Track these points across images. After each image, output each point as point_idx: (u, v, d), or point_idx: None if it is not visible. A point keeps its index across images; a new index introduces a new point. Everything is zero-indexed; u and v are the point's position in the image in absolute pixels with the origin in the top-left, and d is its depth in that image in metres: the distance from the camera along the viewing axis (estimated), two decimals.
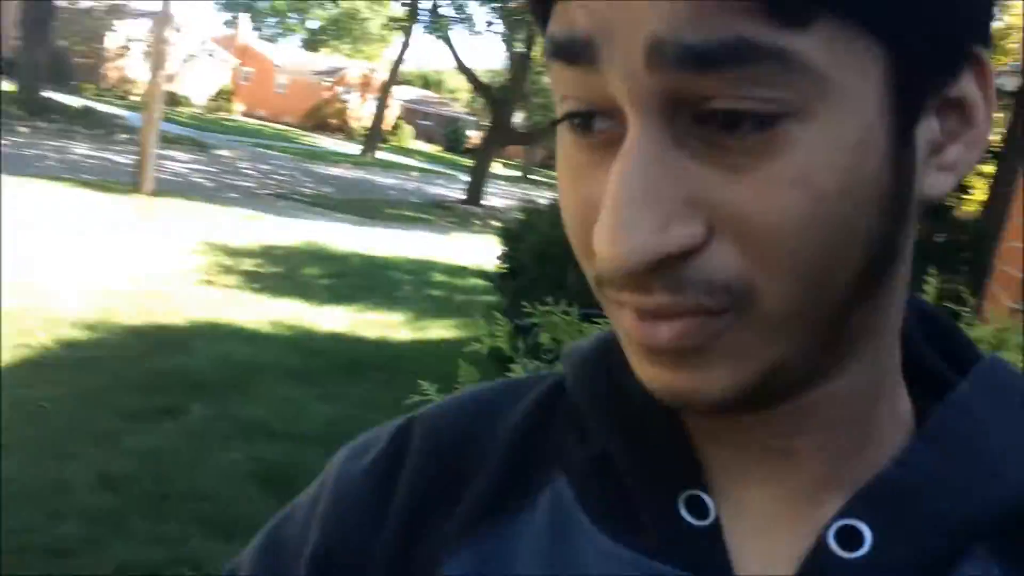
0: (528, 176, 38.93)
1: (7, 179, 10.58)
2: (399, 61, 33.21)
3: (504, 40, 18.74)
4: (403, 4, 18.58)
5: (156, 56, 13.61)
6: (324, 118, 42.48)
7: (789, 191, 0.31)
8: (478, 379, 1.37)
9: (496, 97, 21.06)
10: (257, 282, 8.06)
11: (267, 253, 9.66)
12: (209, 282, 7.76)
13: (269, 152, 26.99)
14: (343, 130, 42.44)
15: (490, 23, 17.90)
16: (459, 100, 61.70)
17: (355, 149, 35.31)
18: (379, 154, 33.22)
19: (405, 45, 32.29)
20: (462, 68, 20.73)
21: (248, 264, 8.88)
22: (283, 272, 8.76)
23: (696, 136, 0.32)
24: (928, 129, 0.34)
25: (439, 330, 7.36)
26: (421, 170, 32.56)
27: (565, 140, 0.36)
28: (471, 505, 0.42)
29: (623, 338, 0.37)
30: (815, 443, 0.38)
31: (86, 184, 12.83)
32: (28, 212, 8.92)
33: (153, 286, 7.07)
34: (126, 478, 3.49)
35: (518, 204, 24.73)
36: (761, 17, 0.29)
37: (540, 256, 3.74)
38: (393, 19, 19.47)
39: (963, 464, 0.37)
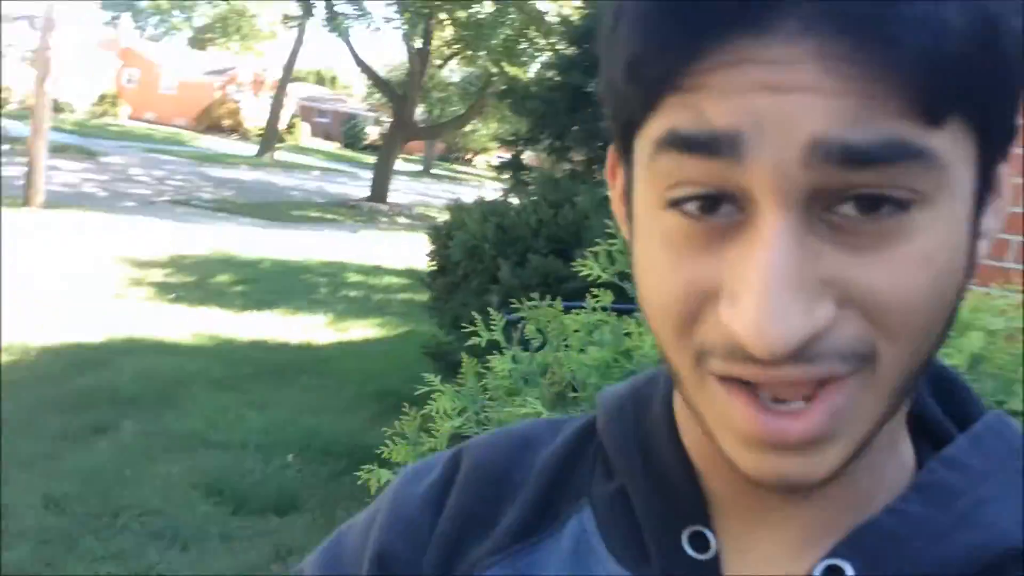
0: (429, 171, 38.91)
1: None
2: (293, 58, 32.66)
3: (403, 36, 18.66)
4: (297, 1, 18.28)
5: (41, 63, 13.09)
6: (216, 119, 41.32)
7: (916, 270, 0.34)
8: (476, 369, 1.52)
9: (396, 93, 21.02)
10: (170, 293, 7.94)
11: (176, 263, 9.49)
12: (120, 296, 7.62)
13: (162, 157, 26.19)
14: (237, 131, 41.38)
15: (388, 19, 17.81)
16: (353, 96, 60.99)
17: (251, 150, 34.53)
18: (277, 154, 32.61)
19: (299, 42, 31.79)
20: (360, 65, 20.57)
21: (158, 275, 8.73)
22: (195, 281, 8.64)
23: (828, 221, 0.34)
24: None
25: (361, 329, 7.43)
26: (321, 169, 32.14)
27: (670, 221, 0.36)
28: (505, 529, 0.47)
29: (722, 425, 0.38)
30: (827, 492, 0.39)
31: None
32: None
33: (63, 303, 6.90)
34: (70, 498, 3.49)
35: (421, 200, 24.64)
36: (912, 117, 0.32)
37: (471, 252, 3.90)
38: (288, 17, 19.12)
39: (947, 513, 0.40)
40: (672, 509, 0.43)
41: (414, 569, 0.47)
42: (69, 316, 6.50)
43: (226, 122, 41.36)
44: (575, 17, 6.87)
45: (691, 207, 0.35)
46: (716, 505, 0.43)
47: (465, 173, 46.79)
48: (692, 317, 0.36)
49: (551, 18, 15.99)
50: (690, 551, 0.42)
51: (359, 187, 25.57)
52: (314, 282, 9.42)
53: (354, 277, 9.99)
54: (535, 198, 4.20)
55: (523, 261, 3.78)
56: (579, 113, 5.90)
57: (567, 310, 1.43)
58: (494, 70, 18.69)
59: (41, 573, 2.95)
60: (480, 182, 42.96)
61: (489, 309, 1.51)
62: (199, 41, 57.75)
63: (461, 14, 17.10)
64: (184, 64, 45.33)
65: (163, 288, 8.13)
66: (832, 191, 0.33)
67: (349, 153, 43.94)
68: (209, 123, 40.99)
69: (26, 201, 12.61)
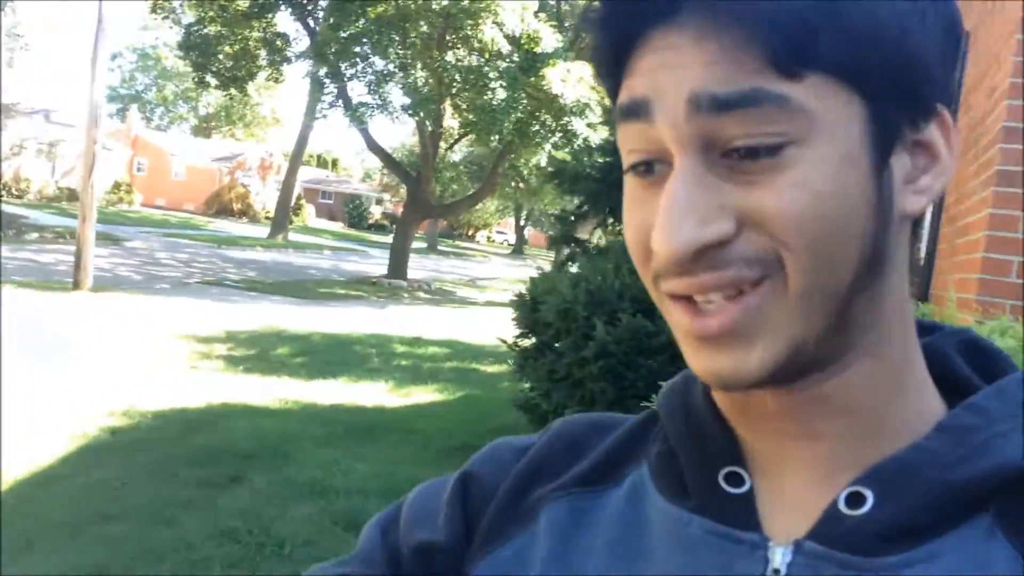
0: (436, 248, 39.77)
1: None
2: (302, 144, 33.84)
3: (417, 122, 19.63)
4: (325, 94, 19.24)
5: (88, 156, 13.86)
6: (226, 203, 42.44)
7: (795, 192, 0.42)
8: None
9: (410, 174, 21.93)
10: (238, 365, 8.53)
11: (233, 338, 10.10)
12: (195, 368, 8.21)
13: (181, 241, 27.04)
14: (246, 214, 42.47)
15: (404, 107, 18.77)
16: (353, 178, 62.45)
17: (260, 231, 35.47)
18: (289, 235, 33.49)
19: (308, 128, 33.02)
20: (374, 149, 21.51)
21: (221, 349, 9.32)
22: (257, 354, 9.23)
23: (723, 166, 0.43)
24: (903, 162, 0.46)
25: (421, 394, 8.00)
26: (330, 248, 33.02)
27: (630, 184, 0.48)
28: (574, 476, 0.56)
29: (678, 333, 0.47)
30: (834, 428, 0.48)
31: (24, 285, 12.92)
32: None
33: (152, 376, 7.49)
34: (240, 531, 4.04)
35: (434, 276, 25.19)
36: (769, 72, 0.42)
37: (563, 314, 4.53)
38: (312, 113, 20.07)
39: (962, 446, 0.46)
40: (709, 454, 0.51)
41: (489, 491, 0.57)
42: (162, 386, 7.08)
43: (236, 205, 42.36)
44: None
45: (640, 169, 0.46)
46: (748, 453, 0.51)
47: (469, 248, 47.74)
48: (646, 251, 0.46)
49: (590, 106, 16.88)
50: (726, 486, 0.50)
51: (371, 264, 26.37)
52: (365, 353, 10.00)
53: (399, 348, 10.59)
54: (612, 265, 4.86)
55: (613, 320, 4.41)
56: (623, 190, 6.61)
57: None
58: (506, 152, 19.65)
59: None
60: (486, 256, 44.04)
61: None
62: (203, 129, 59.30)
63: (475, 99, 17.96)
64: (191, 151, 46.64)
65: (231, 360, 8.72)
66: (716, 142, 0.43)
67: (354, 232, 44.91)
68: (219, 207, 42.00)
69: (76, 285, 13.27)
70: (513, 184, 28.08)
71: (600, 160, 7.02)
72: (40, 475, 4.75)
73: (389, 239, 40.89)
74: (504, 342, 5.50)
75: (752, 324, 0.44)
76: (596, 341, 4.29)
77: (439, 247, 41.03)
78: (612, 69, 0.47)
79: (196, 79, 23.34)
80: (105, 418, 5.86)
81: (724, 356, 0.45)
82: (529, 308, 5.01)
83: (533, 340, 5.04)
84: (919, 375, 0.50)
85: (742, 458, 0.51)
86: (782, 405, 0.48)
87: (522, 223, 50.55)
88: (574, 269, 6.64)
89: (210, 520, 4.20)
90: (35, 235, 21.82)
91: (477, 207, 37.48)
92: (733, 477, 0.50)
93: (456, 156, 31.28)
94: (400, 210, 50.41)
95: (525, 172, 24.58)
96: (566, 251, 6.93)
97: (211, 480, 4.84)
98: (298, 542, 4.01)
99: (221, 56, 21.93)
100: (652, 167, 0.46)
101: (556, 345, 4.69)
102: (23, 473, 4.71)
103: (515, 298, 5.18)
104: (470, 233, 58.49)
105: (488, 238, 61.40)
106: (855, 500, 0.46)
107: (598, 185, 6.48)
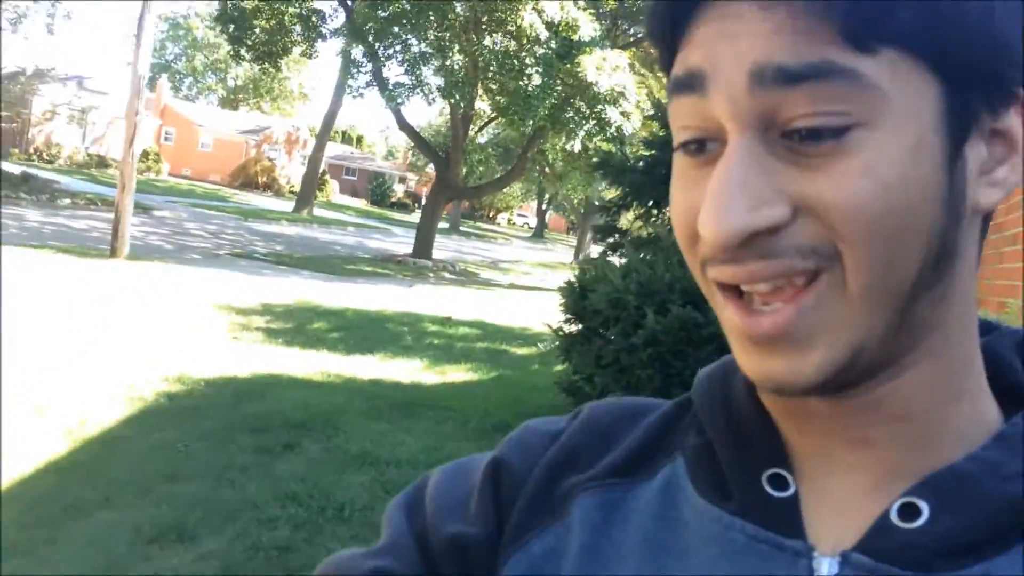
0: (458, 228, 39.96)
1: (7, 249, 10.99)
2: (330, 120, 34.04)
3: (452, 104, 19.76)
4: (361, 73, 19.40)
5: (129, 125, 14.10)
6: (251, 176, 42.76)
7: (859, 180, 0.39)
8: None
9: (439, 155, 22.08)
10: (277, 337, 8.74)
11: (269, 311, 10.32)
12: (236, 339, 8.43)
13: (208, 212, 27.35)
14: (271, 187, 42.78)
15: (439, 88, 18.90)
16: (376, 155, 62.68)
17: (284, 205, 35.76)
18: (313, 210, 33.76)
19: (337, 104, 33.21)
20: (406, 129, 21.67)
21: (260, 321, 9.54)
22: (295, 328, 9.44)
23: (782, 147, 0.40)
24: (978, 151, 0.42)
25: (455, 373, 8.19)
26: (354, 225, 33.27)
27: (680, 162, 0.45)
28: (606, 467, 0.54)
29: (728, 330, 0.45)
30: (888, 434, 0.45)
31: (65, 251, 13.20)
32: (35, 282, 9.42)
33: (197, 344, 7.72)
34: (301, 495, 4.24)
35: (457, 256, 25.27)
36: (839, 44, 0.38)
37: (614, 303, 4.70)
38: (351, 87, 20.23)
39: (1021, 457, 0.43)
40: (752, 454, 0.48)
41: (520, 479, 0.55)
42: (209, 355, 7.31)
43: (261, 179, 42.66)
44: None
45: (691, 148, 0.44)
46: (793, 454, 0.48)
47: (490, 230, 47.89)
48: (693, 235, 0.43)
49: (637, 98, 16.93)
50: (769, 489, 0.47)
51: (394, 243, 26.59)
52: (397, 331, 10.20)
53: (430, 327, 10.79)
54: (660, 256, 5.01)
55: (663, 310, 4.58)
56: (668, 184, 6.75)
57: None
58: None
59: (302, 548, 3.69)
60: (507, 239, 44.19)
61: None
62: (230, 101, 59.57)
63: (511, 85, 18.04)
64: (219, 122, 46.93)
65: (269, 333, 8.93)
66: (777, 119, 0.40)
67: (377, 210, 45.15)
68: (244, 179, 42.30)
69: (113, 252, 13.53)
70: (539, 169, 28.17)
71: (645, 153, 7.16)
72: (106, 436, 4.97)
73: (411, 218, 41.20)
74: (550, 327, 5.67)
75: (808, 326, 0.41)
76: (646, 329, 4.45)
77: (461, 228, 41.22)
78: (667, 39, 0.45)
79: (232, 52, 23.53)
80: (160, 384, 6.09)
81: (778, 359, 0.42)
82: (578, 295, 5.17)
83: (579, 327, 5.21)
84: (978, 380, 0.47)
85: (787, 460, 0.48)
86: (833, 408, 0.45)
87: (544, 207, 50.66)
88: (614, 259, 6.81)
89: (271, 484, 4.40)
90: (67, 201, 22.14)
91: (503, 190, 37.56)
92: (777, 479, 0.47)
93: (482, 139, 31.42)
94: (423, 190, 50.60)
95: (551, 157, 24.68)
96: (609, 240, 7.08)
97: (266, 447, 5.04)
98: (356, 507, 4.20)
99: (256, 30, 22.13)
100: (704, 146, 0.43)
101: (604, 332, 4.86)
102: (93, 432, 4.93)
103: (564, 286, 5.35)
104: (491, 215, 58.65)
105: (509, 220, 61.55)
106: (908, 512, 0.43)
107: (643, 177, 6.62)
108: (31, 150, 33.76)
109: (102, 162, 35.96)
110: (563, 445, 0.55)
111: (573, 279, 5.34)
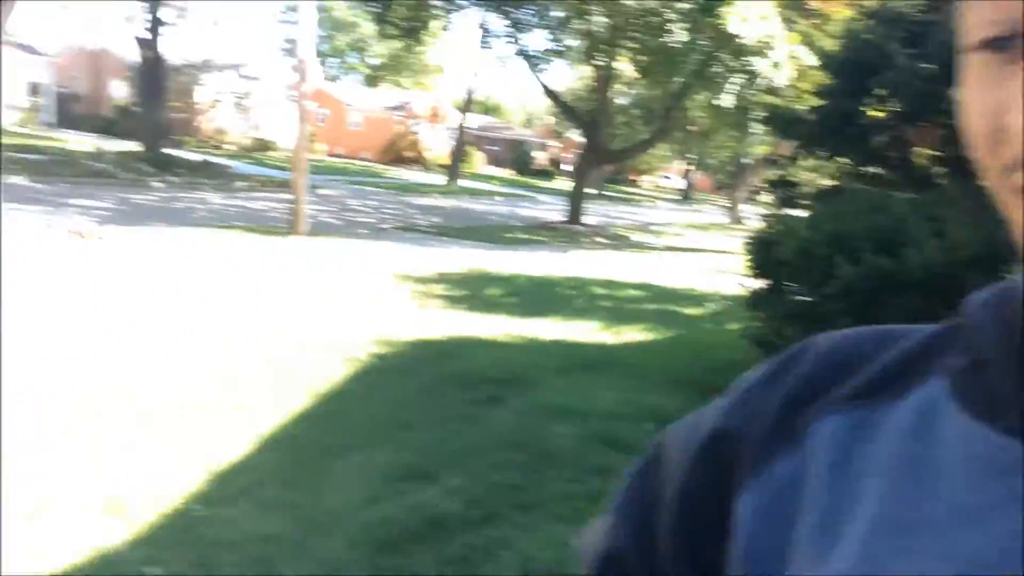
0: (603, 193, 40.02)
1: (201, 231, 12.06)
2: (471, 92, 34.77)
3: (596, 68, 19.87)
4: (501, 41, 19.77)
5: (301, 111, 15.04)
6: (400, 151, 44.27)
7: None
8: None
9: (585, 121, 22.25)
10: (458, 303, 9.28)
11: (445, 279, 10.91)
12: (422, 305, 9.02)
13: (366, 188, 28.64)
14: (419, 161, 44.17)
15: (582, 51, 19.06)
16: (513, 123, 63.30)
17: (431, 178, 36.87)
18: (460, 181, 34.69)
19: (477, 76, 33.82)
20: (550, 95, 21.95)
21: (438, 289, 10.13)
22: (471, 294, 9.98)
23: None
24: None
25: (631, 333, 8.48)
26: (501, 195, 33.97)
27: (976, 63, 0.41)
28: (849, 391, 0.49)
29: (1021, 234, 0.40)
30: None
31: (251, 230, 14.29)
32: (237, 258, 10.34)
33: (389, 310, 8.34)
34: (515, 443, 4.65)
35: (606, 221, 25.27)
36: None
37: (803, 253, 4.84)
38: (500, 57, 20.66)
39: None
40: None
41: (753, 420, 0.52)
42: (403, 319, 7.89)
43: (408, 153, 44.08)
44: (837, 51, 7.70)
45: (998, 44, 0.40)
46: None
47: (635, 194, 47.66)
48: (995, 135, 0.40)
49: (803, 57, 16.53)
50: None
51: (544, 211, 26.98)
52: (566, 295, 10.58)
53: (598, 290, 11.10)
54: (844, 208, 5.09)
55: (855, 260, 4.68)
56: (844, 133, 6.72)
57: None
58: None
59: (531, 488, 4.08)
60: (653, 202, 43.92)
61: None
62: (372, 79, 61.47)
63: (651, 42, 17.96)
64: (365, 100, 48.65)
65: (449, 299, 9.49)
66: None
67: (523, 179, 45.76)
68: (393, 155, 43.83)
69: (293, 230, 14.55)
70: (685, 127, 27.83)
71: (817, 103, 7.14)
72: (337, 391, 5.56)
73: (554, 185, 41.52)
74: (743, 287, 5.83)
75: None
76: (839, 279, 4.57)
77: (605, 192, 41.26)
78: None
79: (380, 30, 24.41)
80: (369, 346, 6.68)
81: None
82: (763, 249, 5.33)
83: (765, 282, 5.37)
84: None
85: None
86: None
87: (690, 167, 49.89)
88: (787, 212, 6.86)
89: (488, 432, 4.84)
90: (242, 184, 23.76)
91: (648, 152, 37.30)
92: None
93: (623, 100, 31.29)
94: (564, 156, 50.71)
95: (698, 115, 24.34)
96: (782, 195, 7.14)
97: (475, 400, 5.50)
98: (570, 453, 4.58)
99: (398, 6, 22.86)
100: (1009, 41, 0.40)
101: (791, 284, 5.00)
102: (326, 388, 5.54)
103: (748, 241, 5.51)
104: (633, 178, 58.26)
105: (655, 184, 60.94)
106: None
107: (818, 128, 6.63)
108: (200, 138, 36.21)
109: (265, 145, 38.15)
110: (794, 381, 0.52)
111: (756, 234, 5.49)
